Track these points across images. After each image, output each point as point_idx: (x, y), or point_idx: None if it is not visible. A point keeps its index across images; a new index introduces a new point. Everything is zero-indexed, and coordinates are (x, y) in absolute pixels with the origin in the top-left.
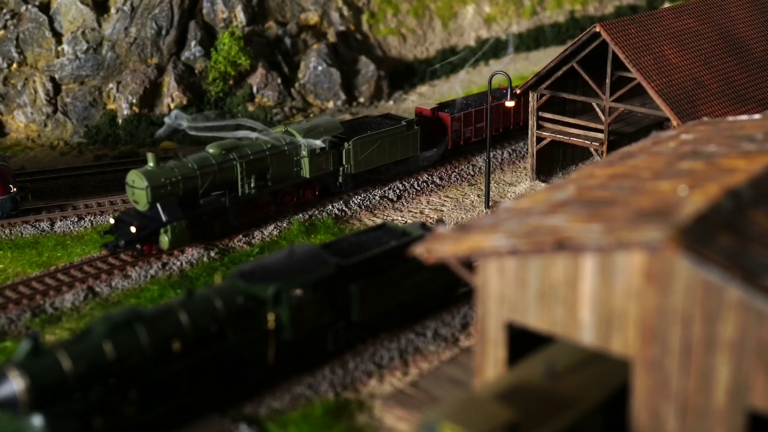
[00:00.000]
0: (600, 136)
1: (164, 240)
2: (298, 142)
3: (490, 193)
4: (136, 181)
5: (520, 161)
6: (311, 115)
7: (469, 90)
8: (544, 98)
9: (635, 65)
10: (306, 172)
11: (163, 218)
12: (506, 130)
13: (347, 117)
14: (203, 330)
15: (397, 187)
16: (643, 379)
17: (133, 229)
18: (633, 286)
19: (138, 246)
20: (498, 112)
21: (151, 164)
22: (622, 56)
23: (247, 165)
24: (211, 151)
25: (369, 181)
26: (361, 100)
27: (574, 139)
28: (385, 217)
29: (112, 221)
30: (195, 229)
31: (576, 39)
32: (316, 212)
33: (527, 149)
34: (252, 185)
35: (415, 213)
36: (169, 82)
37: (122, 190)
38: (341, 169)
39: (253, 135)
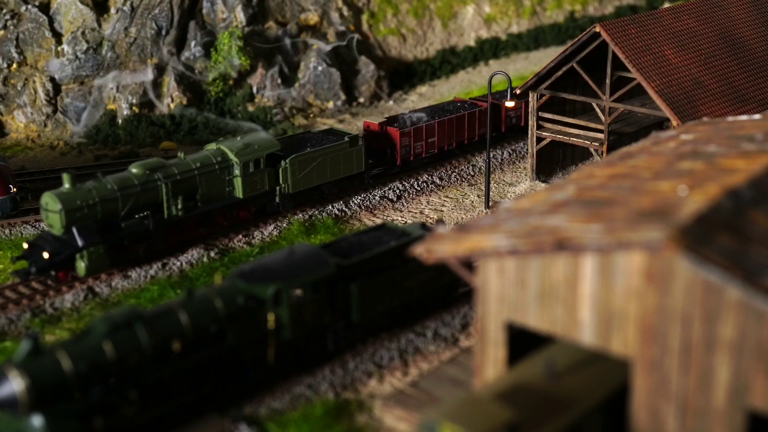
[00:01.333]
0: (600, 136)
1: (80, 266)
2: (230, 160)
3: (490, 193)
4: (50, 203)
5: (520, 161)
6: (311, 116)
7: (469, 92)
8: (544, 98)
9: (635, 65)
10: (239, 193)
11: (79, 243)
12: (470, 141)
13: (348, 116)
14: (203, 330)
15: (397, 187)
16: (643, 379)
17: (45, 255)
18: (633, 286)
19: (52, 272)
20: (461, 123)
21: (66, 186)
22: (622, 56)
23: (173, 185)
24: (134, 170)
25: (310, 200)
26: (361, 100)
27: (574, 139)
28: (385, 217)
29: (26, 246)
30: (115, 254)
31: (576, 39)
32: (316, 212)
33: (527, 149)
34: (179, 207)
35: (415, 213)
36: (169, 82)
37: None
38: (278, 188)
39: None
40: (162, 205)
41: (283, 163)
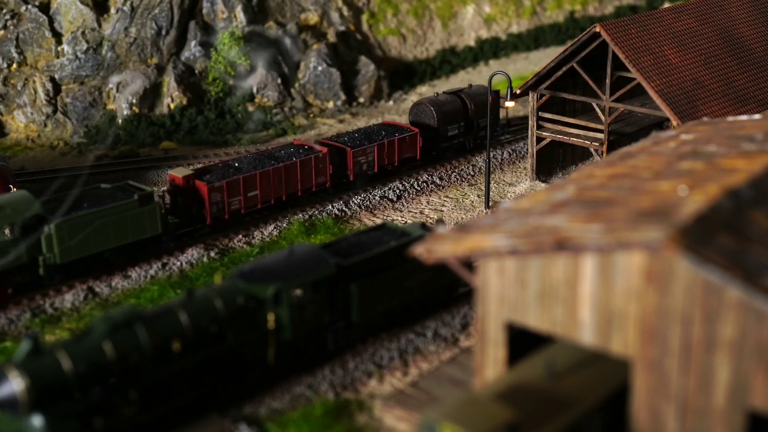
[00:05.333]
0: (600, 136)
1: None
2: None
3: (490, 193)
4: None
5: (520, 161)
6: (311, 116)
7: None
8: (544, 98)
9: (635, 65)
10: None
11: None
12: (306, 192)
13: (348, 116)
14: (203, 330)
15: (397, 187)
16: (643, 379)
17: None
18: (633, 286)
19: None
20: (292, 172)
21: None
22: (622, 56)
23: None
24: None
25: (90, 269)
26: (361, 100)
27: (574, 139)
28: (385, 217)
29: None
30: None
31: (576, 39)
32: (316, 212)
33: (527, 149)
34: None
35: (415, 213)
36: (169, 82)
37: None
38: (42, 259)
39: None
40: None
41: (46, 228)
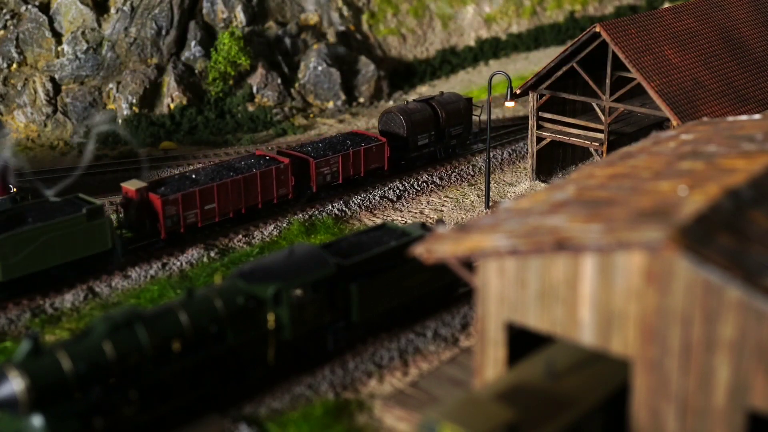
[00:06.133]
0: (600, 136)
1: None
2: None
3: (490, 193)
4: None
5: (520, 161)
6: (311, 116)
7: (469, 91)
8: (544, 98)
9: (635, 65)
10: None
11: None
12: (267, 204)
13: (348, 116)
14: (203, 330)
15: (397, 187)
16: (643, 379)
17: None
18: (633, 286)
19: None
20: (251, 183)
21: None
22: (622, 56)
23: None
24: None
25: (35, 287)
26: (361, 100)
27: (574, 139)
28: (385, 217)
29: None
30: None
31: (576, 39)
32: (316, 212)
33: (527, 149)
34: None
35: (415, 213)
36: (169, 82)
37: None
38: None
39: None
40: None
41: None
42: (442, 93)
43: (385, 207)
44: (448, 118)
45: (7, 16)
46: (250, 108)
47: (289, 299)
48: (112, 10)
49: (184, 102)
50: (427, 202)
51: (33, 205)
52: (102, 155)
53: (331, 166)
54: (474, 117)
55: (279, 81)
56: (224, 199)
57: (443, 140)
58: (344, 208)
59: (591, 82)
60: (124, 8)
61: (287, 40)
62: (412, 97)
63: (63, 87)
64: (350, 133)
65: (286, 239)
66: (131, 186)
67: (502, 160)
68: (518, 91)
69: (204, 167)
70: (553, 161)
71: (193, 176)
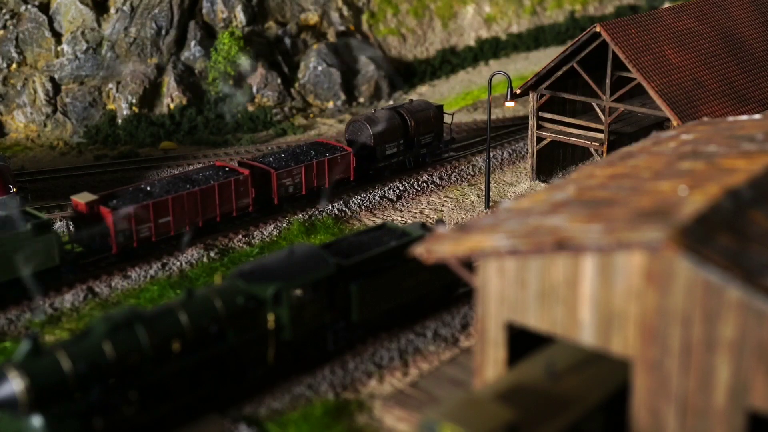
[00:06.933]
0: (600, 136)
1: None
2: None
3: (490, 193)
4: None
5: (520, 161)
6: (311, 116)
7: (468, 90)
8: (544, 98)
9: (635, 65)
10: None
11: None
12: (227, 217)
13: (348, 116)
14: (203, 330)
15: (397, 187)
16: (643, 379)
17: None
18: (633, 286)
19: None
20: (209, 196)
21: None
22: (622, 56)
23: None
24: None
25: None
26: (361, 100)
27: (574, 139)
28: (385, 217)
29: None
30: None
31: (576, 39)
32: (316, 212)
33: (527, 149)
34: None
35: (415, 213)
36: (169, 82)
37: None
38: None
39: None
40: None
41: None
42: (411, 101)
43: (385, 207)
44: (417, 127)
45: (7, 16)
46: (250, 108)
47: (289, 299)
48: (112, 10)
49: (184, 102)
50: (427, 202)
51: None
52: (102, 155)
53: (293, 177)
54: (445, 125)
55: (279, 81)
56: (180, 212)
57: (413, 149)
58: (344, 208)
59: (591, 82)
60: (124, 8)
61: (287, 40)
62: (412, 97)
63: (63, 87)
64: (315, 143)
65: (286, 239)
66: (81, 199)
67: (502, 160)
68: (518, 91)
69: (160, 179)
70: (554, 161)
71: (148, 188)
